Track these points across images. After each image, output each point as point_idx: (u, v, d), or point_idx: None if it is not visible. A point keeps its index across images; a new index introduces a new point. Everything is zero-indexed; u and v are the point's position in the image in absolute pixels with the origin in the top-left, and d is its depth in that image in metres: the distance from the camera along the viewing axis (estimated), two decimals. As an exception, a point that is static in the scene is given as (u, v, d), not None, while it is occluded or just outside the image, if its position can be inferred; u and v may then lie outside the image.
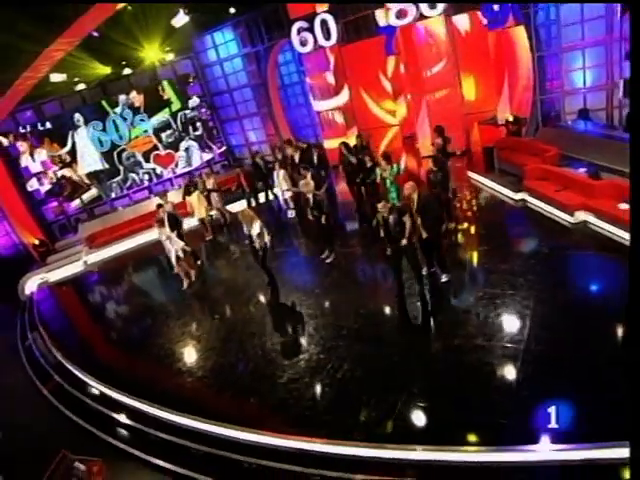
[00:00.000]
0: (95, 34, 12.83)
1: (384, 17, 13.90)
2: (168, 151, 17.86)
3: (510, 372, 5.49)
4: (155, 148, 17.64)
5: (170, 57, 16.89)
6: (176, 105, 17.77)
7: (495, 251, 8.29)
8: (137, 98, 16.98)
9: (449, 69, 13.54)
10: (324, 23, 14.21)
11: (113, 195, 17.18)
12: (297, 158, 12.31)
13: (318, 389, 6.13)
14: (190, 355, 7.87)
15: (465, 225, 9.58)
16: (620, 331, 5.67)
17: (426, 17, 12.90)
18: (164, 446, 6.23)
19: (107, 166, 16.89)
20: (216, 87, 18.81)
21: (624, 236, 7.40)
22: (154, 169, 17.73)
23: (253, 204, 13.11)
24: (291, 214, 12.17)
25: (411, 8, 12.82)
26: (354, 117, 16.06)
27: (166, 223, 10.10)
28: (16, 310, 12.53)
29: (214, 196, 12.40)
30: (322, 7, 14.45)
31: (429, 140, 11.76)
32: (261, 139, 19.00)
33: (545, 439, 4.53)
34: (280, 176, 11.74)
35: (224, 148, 18.98)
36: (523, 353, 5.64)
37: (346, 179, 10.97)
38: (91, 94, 16.48)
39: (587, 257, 7.75)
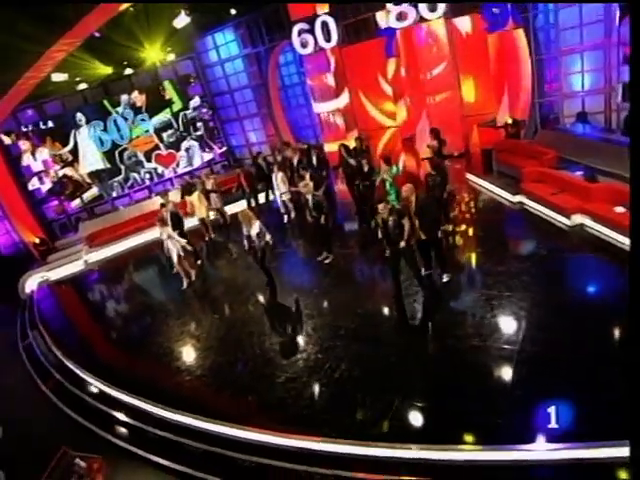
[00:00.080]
0: (97, 34, 12.89)
1: (385, 19, 13.95)
2: (169, 151, 17.95)
3: (506, 372, 5.56)
4: (156, 148, 17.73)
5: (171, 57, 16.96)
6: (177, 105, 17.86)
7: (492, 253, 8.36)
8: (139, 98, 17.08)
9: (449, 71, 13.61)
10: (325, 25, 14.28)
11: (114, 194, 17.26)
12: (296, 160, 12.38)
13: (316, 388, 6.19)
14: (189, 354, 7.94)
15: (463, 227, 9.65)
16: (615, 332, 5.74)
17: (426, 20, 12.96)
18: (163, 444, 6.30)
19: (108, 165, 16.98)
20: (217, 87, 18.89)
21: (620, 239, 7.48)
22: (155, 169, 17.82)
23: (253, 205, 13.18)
24: (287, 219, 12.17)
25: (411, 11, 12.89)
26: (354, 119, 16.13)
27: (169, 222, 10.18)
28: (16, 308, 12.60)
29: (213, 197, 12.46)
30: (323, 9, 14.53)
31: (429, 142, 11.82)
32: (261, 140, 19.08)
33: (540, 439, 4.60)
34: (278, 178, 11.79)
35: (224, 148, 19.06)
36: (519, 354, 5.71)
37: (345, 181, 11.05)
38: (93, 94, 16.57)
39: (583, 260, 7.81)
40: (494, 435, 4.79)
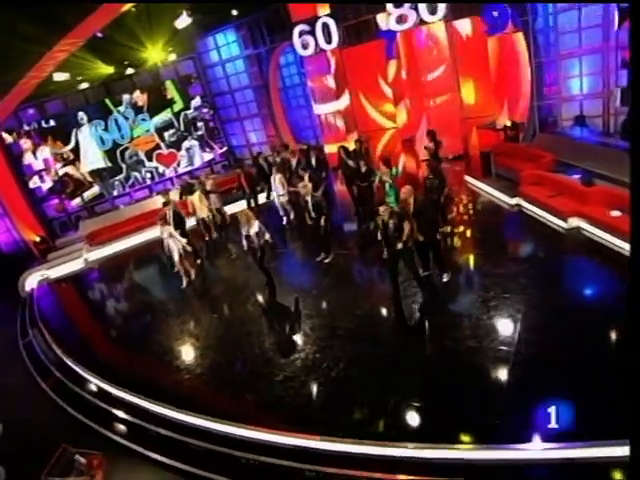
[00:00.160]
0: (99, 34, 12.95)
1: (385, 20, 14.00)
2: (170, 150, 18.02)
3: (502, 373, 5.64)
4: (157, 147, 17.80)
5: (172, 58, 17.03)
6: (179, 105, 17.93)
7: (489, 255, 8.44)
8: (140, 97, 17.15)
9: (449, 74, 13.69)
10: (325, 26, 14.34)
11: (115, 193, 17.34)
12: (294, 162, 12.45)
13: (314, 387, 6.27)
14: (189, 353, 8.01)
15: (460, 229, 9.73)
16: (611, 334, 5.81)
17: (426, 23, 13.03)
18: (163, 441, 6.38)
19: (109, 164, 17.05)
20: (218, 88, 18.94)
21: (616, 242, 7.57)
22: (156, 168, 17.89)
23: (253, 205, 13.23)
24: (285, 221, 12.23)
25: (411, 13, 12.96)
26: (354, 121, 16.19)
27: (171, 221, 10.26)
28: (16, 306, 12.65)
29: (213, 197, 12.52)
30: (324, 10, 14.60)
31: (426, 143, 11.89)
32: (262, 140, 19.14)
33: (536, 439, 4.67)
34: (276, 180, 11.83)
35: (225, 148, 19.12)
36: (515, 355, 5.79)
37: (345, 182, 11.12)
38: (94, 93, 16.63)
39: (579, 262, 7.90)
40: (491, 435, 4.86)
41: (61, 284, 13.30)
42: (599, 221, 7.98)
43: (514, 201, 10.09)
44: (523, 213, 9.77)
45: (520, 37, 12.82)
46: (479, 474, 4.72)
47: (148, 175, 17.81)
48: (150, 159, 17.72)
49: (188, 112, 18.11)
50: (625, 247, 7.32)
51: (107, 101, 16.78)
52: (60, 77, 14.05)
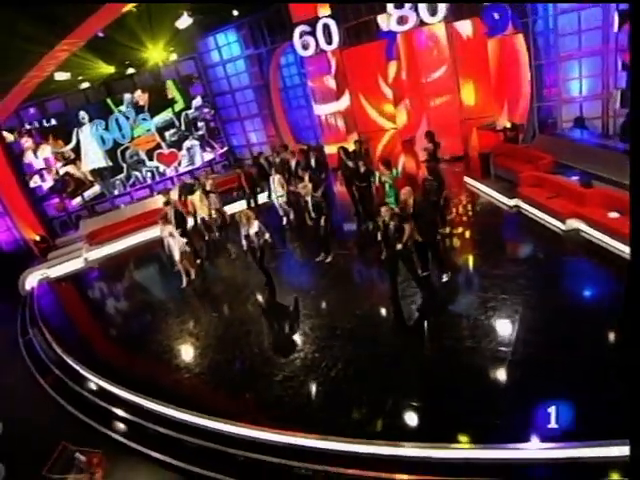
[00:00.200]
0: (100, 34, 12.99)
1: (386, 21, 14.01)
2: (171, 150, 18.05)
3: (500, 374, 5.69)
4: (158, 146, 17.83)
5: (173, 57, 17.07)
6: (180, 105, 17.96)
7: (488, 256, 8.48)
8: (142, 97, 17.19)
9: (449, 75, 13.73)
10: (326, 27, 14.37)
11: (116, 192, 17.38)
12: (293, 163, 12.48)
13: (312, 387, 6.31)
14: (188, 352, 8.04)
15: (459, 230, 9.78)
16: (608, 334, 5.86)
17: (426, 24, 13.07)
18: (162, 440, 6.42)
19: (110, 163, 17.08)
20: (218, 88, 18.98)
21: (614, 244, 7.61)
22: (157, 167, 17.93)
23: (253, 205, 13.26)
24: (285, 221, 12.25)
25: (412, 15, 13.00)
26: (355, 122, 16.22)
27: (172, 220, 10.30)
28: (16, 305, 12.68)
29: (212, 197, 12.56)
30: (324, 11, 14.63)
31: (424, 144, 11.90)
32: (262, 140, 19.17)
33: (535, 438, 4.71)
34: (275, 181, 11.85)
35: (225, 148, 19.16)
36: (513, 355, 5.83)
37: (345, 183, 11.16)
38: (95, 92, 16.66)
39: (577, 264, 7.94)
40: (491, 434, 4.89)
41: (61, 283, 13.33)
42: (597, 223, 8.02)
43: (513, 202, 10.13)
44: (522, 214, 9.81)
45: (520, 39, 12.87)
46: (478, 473, 4.75)
47: (149, 174, 17.84)
48: (151, 158, 17.76)
49: (189, 112, 18.14)
50: (623, 249, 7.36)
51: (108, 100, 16.81)
52: (61, 76, 14.09)
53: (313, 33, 14.59)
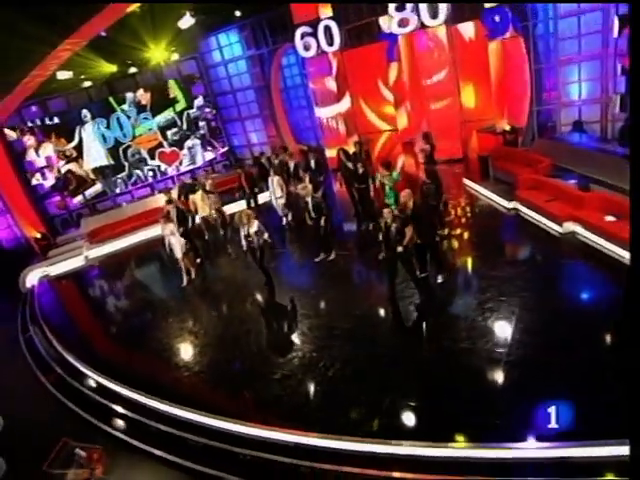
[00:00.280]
0: (103, 34, 13.04)
1: (388, 22, 14.07)
2: (173, 149, 18.13)
3: (497, 374, 5.76)
4: (160, 145, 17.91)
5: (175, 57, 17.14)
6: (182, 104, 18.03)
7: (485, 258, 8.56)
8: (144, 96, 17.27)
9: (449, 78, 13.78)
10: (327, 29, 14.44)
11: (117, 191, 17.45)
12: (292, 164, 12.54)
13: (310, 386, 6.39)
14: (188, 350, 8.12)
15: (458, 231, 9.85)
16: (604, 336, 5.94)
17: (427, 27, 13.14)
18: (162, 437, 6.49)
19: (112, 162, 17.16)
20: (220, 88, 19.05)
21: (610, 247, 7.69)
22: (158, 166, 18.00)
23: (253, 205, 13.32)
24: (285, 221, 12.30)
25: (412, 17, 13.07)
26: (355, 124, 16.28)
27: (174, 219, 10.37)
28: (17, 302, 12.75)
29: (211, 197, 12.62)
30: (326, 12, 14.69)
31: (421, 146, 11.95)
32: (263, 140, 19.25)
33: (534, 438, 4.78)
34: (274, 182, 11.91)
35: (226, 148, 19.23)
36: (509, 356, 5.91)
37: (344, 184, 11.24)
38: (97, 91, 16.74)
39: (574, 266, 8.03)
40: (488, 434, 4.97)
41: (61, 281, 13.39)
42: (594, 226, 8.10)
43: (511, 205, 10.21)
44: (520, 217, 9.89)
45: (520, 42, 12.95)
46: (476, 472, 4.82)
47: (150, 173, 17.92)
48: (153, 157, 17.84)
49: (191, 111, 18.22)
50: (619, 252, 7.46)
51: (111, 99, 16.89)
52: (63, 75, 14.15)
53: (314, 34, 14.64)
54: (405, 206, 7.62)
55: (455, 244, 9.39)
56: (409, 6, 12.98)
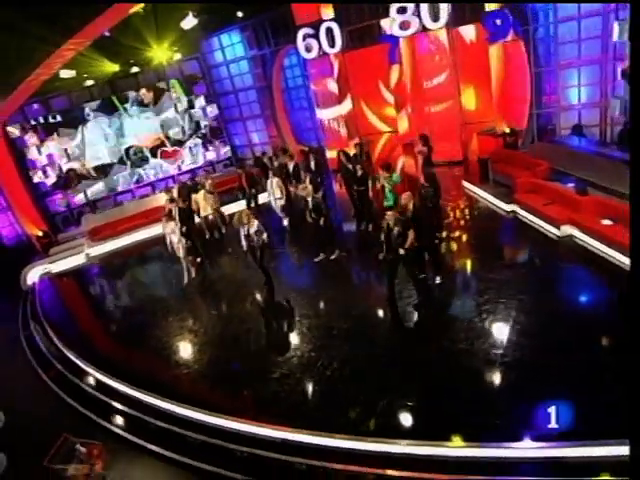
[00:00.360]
0: (106, 34, 13.12)
1: (389, 24, 14.12)
2: (174, 148, 18.19)
3: (493, 376, 5.84)
4: (162, 144, 17.96)
5: (178, 57, 17.21)
6: (184, 104, 18.09)
7: (483, 260, 8.64)
8: (147, 95, 17.33)
9: (450, 80, 13.86)
10: (329, 30, 14.52)
11: (119, 189, 17.51)
12: (291, 166, 12.60)
13: (308, 385, 6.47)
14: (187, 348, 8.19)
15: (456, 234, 9.93)
16: (600, 337, 6.02)
17: (428, 30, 13.21)
18: (161, 434, 6.57)
19: (114, 160, 17.23)
20: (221, 88, 19.10)
21: (606, 251, 7.77)
22: (160, 165, 18.07)
23: (252, 205, 13.40)
24: (286, 222, 12.33)
25: (414, 20, 13.14)
26: (357, 127, 16.34)
27: (177, 217, 10.45)
28: (18, 299, 12.82)
29: (211, 197, 12.70)
30: (327, 14, 14.76)
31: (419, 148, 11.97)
32: (264, 141, 19.31)
33: (532, 438, 4.86)
34: (273, 184, 11.97)
35: (227, 148, 19.30)
36: (506, 358, 5.98)
37: (345, 185, 11.31)
38: (100, 90, 16.81)
39: (571, 269, 8.10)
40: (485, 434, 5.04)
41: (62, 278, 13.46)
42: (591, 229, 8.18)
43: (510, 208, 10.29)
44: (518, 220, 9.96)
45: (521, 46, 13.03)
46: (474, 471, 4.90)
47: (152, 172, 17.99)
48: (154, 156, 17.91)
49: (192, 111, 18.29)
50: (615, 255, 7.54)
51: (113, 98, 16.96)
52: (66, 74, 14.22)
53: (316, 36, 14.71)
54: (405, 208, 7.68)
55: (454, 246, 9.47)
56: (410, 9, 13.05)
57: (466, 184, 12.32)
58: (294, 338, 7.63)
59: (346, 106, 15.82)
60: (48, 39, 9.53)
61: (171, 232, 10.08)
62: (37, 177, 16.17)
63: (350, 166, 10.78)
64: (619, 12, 10.75)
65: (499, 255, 9.02)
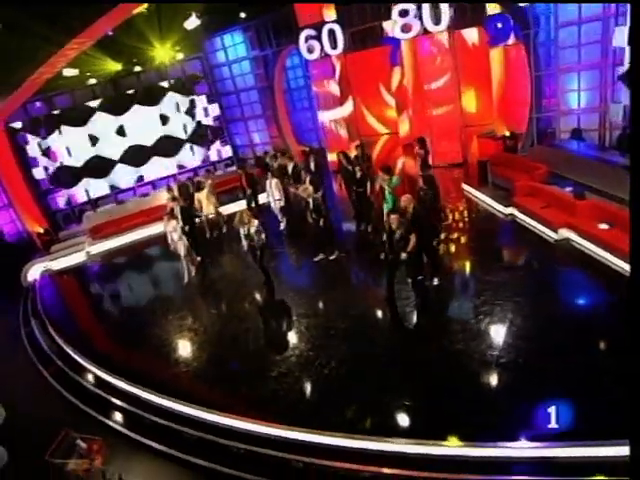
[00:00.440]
0: (109, 33, 13.20)
1: (392, 27, 14.19)
2: (176, 147, 18.24)
3: (489, 377, 5.90)
4: (164, 144, 18.02)
5: (180, 57, 17.29)
6: (185, 103, 18.16)
7: (481, 262, 8.72)
8: (148, 95, 17.39)
9: (451, 83, 13.92)
10: (331, 32, 14.59)
11: (120, 187, 17.58)
12: (290, 167, 12.67)
13: (307, 383, 6.54)
14: (187, 346, 8.25)
15: (455, 236, 10.00)
16: (597, 339, 6.10)
17: (430, 33, 13.28)
18: (160, 430, 6.64)
19: (116, 158, 17.30)
20: (223, 88, 19.18)
21: (602, 254, 7.85)
22: (161, 164, 18.13)
23: (253, 205, 13.46)
24: (283, 224, 12.37)
25: (415, 23, 13.21)
26: (358, 128, 16.40)
27: (178, 216, 10.51)
28: (19, 296, 12.89)
29: (213, 197, 12.78)
30: (330, 15, 14.84)
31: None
32: (265, 141, 19.39)
33: (531, 438, 4.92)
34: (272, 185, 12.04)
35: (228, 147, 19.37)
36: (502, 359, 6.05)
37: (345, 186, 11.39)
38: (102, 88, 16.89)
39: (567, 272, 8.19)
40: (483, 433, 5.10)
41: (63, 276, 13.53)
42: (588, 233, 8.25)
43: (508, 211, 10.36)
44: (516, 223, 10.03)
45: (521, 49, 13.11)
46: (471, 471, 4.98)
47: (153, 171, 18.04)
48: (156, 155, 17.96)
49: (194, 111, 18.35)
50: (611, 259, 7.62)
51: (115, 97, 17.03)
52: (69, 73, 14.31)
53: (318, 37, 14.78)
54: (405, 210, 7.75)
55: (452, 248, 9.54)
56: (412, 12, 13.13)
57: (465, 187, 12.38)
58: (293, 337, 7.70)
59: (347, 108, 15.89)
60: (52, 39, 9.62)
61: (172, 230, 10.16)
62: (38, 175, 16.23)
63: (350, 168, 10.85)
64: (619, 18, 10.83)
65: (497, 257, 9.09)
